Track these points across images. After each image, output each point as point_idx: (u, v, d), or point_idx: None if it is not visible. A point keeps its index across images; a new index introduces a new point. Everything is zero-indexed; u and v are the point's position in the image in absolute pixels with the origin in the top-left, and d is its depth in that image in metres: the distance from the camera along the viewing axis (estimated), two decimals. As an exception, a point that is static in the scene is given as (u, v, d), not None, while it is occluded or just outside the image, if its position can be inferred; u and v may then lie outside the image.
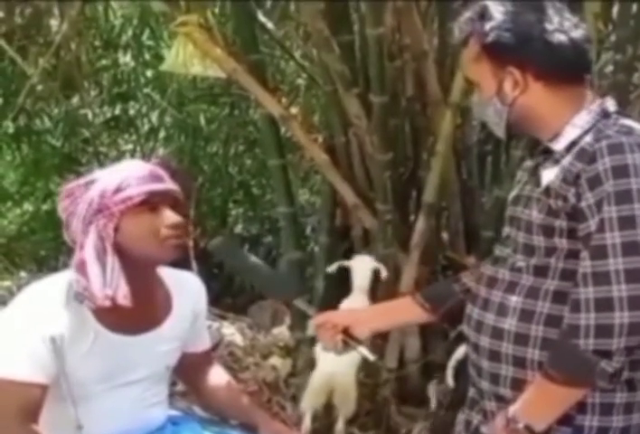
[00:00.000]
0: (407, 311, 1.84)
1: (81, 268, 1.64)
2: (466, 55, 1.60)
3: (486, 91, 1.58)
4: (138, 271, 1.70)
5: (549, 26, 1.51)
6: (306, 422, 2.81)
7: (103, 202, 1.65)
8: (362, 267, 2.97)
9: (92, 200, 1.66)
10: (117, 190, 1.65)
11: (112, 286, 1.62)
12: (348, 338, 1.78)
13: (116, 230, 1.65)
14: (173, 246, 1.69)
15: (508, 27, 1.52)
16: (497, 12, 1.54)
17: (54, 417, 1.65)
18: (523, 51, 1.52)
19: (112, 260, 1.64)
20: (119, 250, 1.66)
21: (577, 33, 1.53)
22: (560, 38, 1.51)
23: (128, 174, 1.67)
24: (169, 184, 1.72)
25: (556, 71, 1.53)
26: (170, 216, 1.68)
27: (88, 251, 1.64)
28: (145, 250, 1.68)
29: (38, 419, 1.61)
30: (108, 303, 1.61)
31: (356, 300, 2.92)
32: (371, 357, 1.80)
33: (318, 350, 2.82)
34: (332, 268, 3.04)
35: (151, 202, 1.67)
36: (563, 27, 1.52)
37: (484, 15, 1.55)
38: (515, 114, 1.56)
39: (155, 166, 1.74)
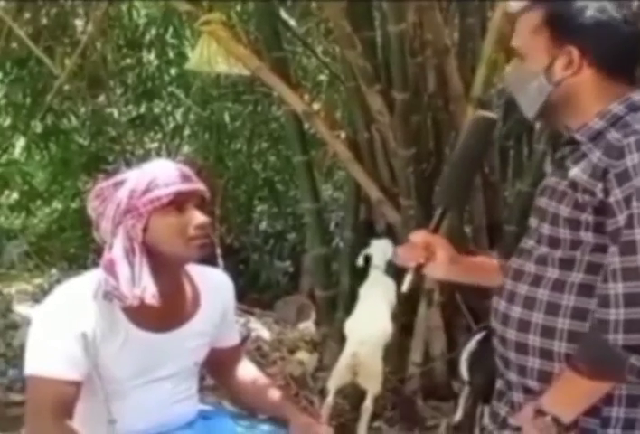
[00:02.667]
0: (491, 273, 1.78)
1: (110, 268, 1.67)
2: (523, 25, 1.56)
3: (534, 65, 1.54)
4: (166, 270, 1.73)
5: (618, 16, 1.50)
6: (329, 400, 2.85)
7: (132, 202, 1.67)
8: (379, 248, 3.04)
9: (121, 201, 1.69)
10: (146, 191, 1.68)
11: (140, 286, 1.65)
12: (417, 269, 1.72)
13: (144, 230, 1.68)
14: (199, 245, 1.71)
15: (581, 7, 1.50)
16: None
17: (87, 412, 1.69)
18: (589, 34, 1.49)
19: (140, 260, 1.67)
20: (148, 250, 1.69)
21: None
22: (627, 30, 1.50)
23: (156, 175, 1.69)
24: (196, 184, 1.74)
25: (612, 62, 1.51)
26: (197, 216, 1.71)
27: (116, 252, 1.67)
28: (172, 250, 1.70)
29: (72, 414, 1.65)
30: (136, 302, 1.65)
31: (376, 279, 2.98)
32: (405, 287, 1.71)
33: (348, 330, 2.86)
34: (359, 260, 3.09)
35: (178, 202, 1.69)
36: (632, 20, 1.51)
37: None
38: (557, 94, 1.53)
39: (182, 166, 1.76)
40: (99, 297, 1.67)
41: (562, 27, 1.51)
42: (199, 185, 1.74)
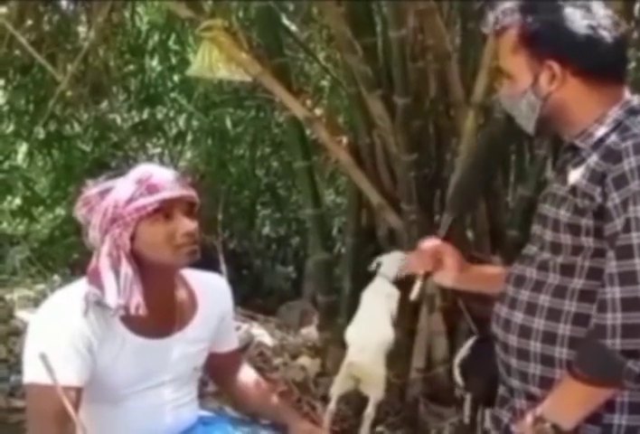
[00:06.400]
0: (498, 282, 1.76)
1: (95, 278, 1.66)
2: (502, 46, 1.57)
3: (520, 84, 1.55)
4: (157, 277, 1.72)
5: (592, 22, 1.49)
6: (331, 405, 2.86)
7: (117, 211, 1.66)
8: (394, 259, 3.03)
9: (107, 210, 1.67)
10: (131, 199, 1.66)
11: (125, 296, 1.64)
12: (425, 277, 1.75)
13: (132, 238, 1.67)
14: (187, 252, 1.69)
15: (552, 20, 1.50)
16: (541, 5, 1.52)
17: (85, 419, 1.67)
18: (565, 45, 1.50)
19: (126, 270, 1.66)
20: (136, 258, 1.68)
21: (618, 32, 1.52)
22: (603, 35, 1.49)
23: (142, 183, 1.68)
24: (183, 190, 1.71)
25: (596, 69, 1.51)
26: (185, 223, 1.69)
27: (102, 261, 1.67)
28: (160, 257, 1.69)
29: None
30: (122, 312, 1.64)
31: (379, 285, 2.97)
32: (414, 295, 1.76)
33: (349, 337, 2.86)
34: (372, 265, 3.08)
35: (165, 210, 1.67)
36: (606, 25, 1.50)
37: (526, 7, 1.53)
38: (548, 108, 1.54)
39: (170, 171, 1.74)
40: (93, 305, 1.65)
41: (537, 44, 1.52)
42: (186, 191, 1.72)
